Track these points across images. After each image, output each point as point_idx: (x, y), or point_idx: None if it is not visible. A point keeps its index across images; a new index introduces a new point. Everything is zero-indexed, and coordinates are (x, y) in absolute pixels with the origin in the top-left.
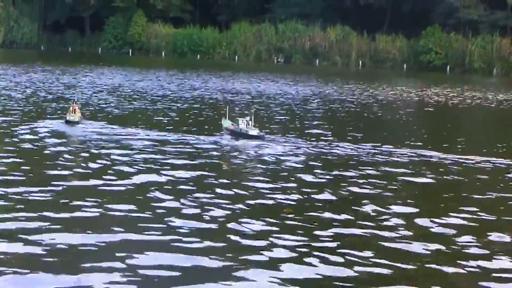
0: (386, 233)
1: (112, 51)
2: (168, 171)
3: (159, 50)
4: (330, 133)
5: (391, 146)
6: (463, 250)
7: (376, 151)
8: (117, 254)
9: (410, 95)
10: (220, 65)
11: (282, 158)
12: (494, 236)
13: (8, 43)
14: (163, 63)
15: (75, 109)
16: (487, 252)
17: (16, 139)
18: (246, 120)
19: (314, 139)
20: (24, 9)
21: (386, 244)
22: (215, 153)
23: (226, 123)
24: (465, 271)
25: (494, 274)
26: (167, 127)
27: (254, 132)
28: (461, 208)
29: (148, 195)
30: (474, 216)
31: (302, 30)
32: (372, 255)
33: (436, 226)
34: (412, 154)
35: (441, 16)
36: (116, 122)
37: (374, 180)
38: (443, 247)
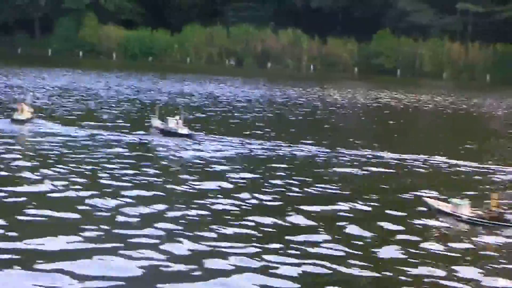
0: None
1: (62, 53)
2: (102, 167)
3: (110, 52)
4: (269, 134)
5: (332, 147)
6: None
7: (315, 152)
8: None
9: (359, 98)
10: (171, 67)
11: (208, 156)
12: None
13: None
14: (114, 65)
15: (23, 108)
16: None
17: None
18: (176, 120)
19: (250, 139)
20: None
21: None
22: (142, 151)
23: (156, 122)
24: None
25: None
26: (107, 127)
27: (183, 131)
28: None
29: (76, 192)
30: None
31: (254, 34)
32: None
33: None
34: (351, 154)
35: (392, 20)
36: (63, 121)
37: (299, 178)
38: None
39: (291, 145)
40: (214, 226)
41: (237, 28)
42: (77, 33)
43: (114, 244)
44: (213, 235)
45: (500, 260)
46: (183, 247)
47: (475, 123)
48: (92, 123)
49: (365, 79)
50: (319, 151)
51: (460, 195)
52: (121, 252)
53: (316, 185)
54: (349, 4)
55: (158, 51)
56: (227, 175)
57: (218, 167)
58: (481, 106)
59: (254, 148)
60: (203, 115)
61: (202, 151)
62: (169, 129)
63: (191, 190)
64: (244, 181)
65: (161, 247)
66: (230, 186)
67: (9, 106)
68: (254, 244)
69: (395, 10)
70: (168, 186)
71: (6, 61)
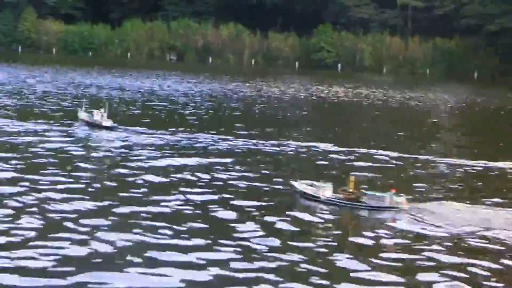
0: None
1: (0, 48)
2: (27, 156)
3: (50, 47)
4: (197, 127)
5: (263, 139)
6: None
7: (242, 143)
8: None
9: (297, 91)
10: (112, 62)
11: (130, 146)
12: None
13: None
14: (53, 60)
15: None
16: None
17: None
18: (101, 112)
19: (176, 130)
20: None
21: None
22: (67, 142)
23: (82, 115)
24: None
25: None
26: (38, 120)
27: (107, 123)
28: None
29: None
30: None
31: (195, 28)
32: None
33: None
34: (279, 145)
35: (332, 15)
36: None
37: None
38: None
39: (215, 136)
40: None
41: (178, 22)
42: (16, 28)
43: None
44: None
45: (345, 237)
46: (104, 237)
47: (391, 114)
48: (26, 116)
49: (305, 74)
50: (243, 141)
51: (326, 178)
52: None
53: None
54: None
55: (99, 46)
56: (138, 164)
57: (135, 157)
58: (412, 99)
59: (176, 140)
60: (135, 109)
61: (123, 142)
62: (94, 121)
63: (105, 178)
64: (167, 167)
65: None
66: (129, 171)
67: None
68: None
69: (335, 4)
70: (84, 174)
71: None
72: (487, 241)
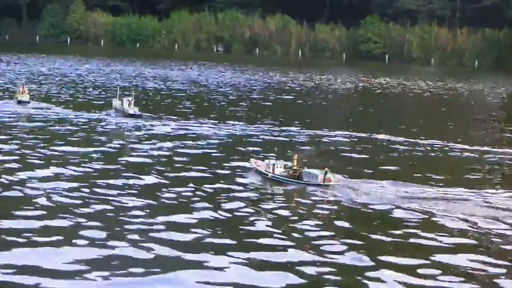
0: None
1: (49, 40)
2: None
3: (98, 39)
4: (237, 116)
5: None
6: None
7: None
8: None
9: (344, 82)
10: (159, 54)
11: (152, 133)
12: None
13: None
14: (101, 52)
15: (24, 90)
16: None
17: None
18: (129, 100)
19: (210, 121)
20: None
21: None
22: (100, 128)
23: (115, 103)
24: None
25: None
26: (79, 107)
27: (131, 110)
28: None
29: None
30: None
31: (242, 19)
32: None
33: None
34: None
35: (380, 6)
36: (56, 103)
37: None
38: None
39: (249, 125)
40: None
41: (225, 14)
42: (65, 20)
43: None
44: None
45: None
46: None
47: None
48: (69, 104)
49: (353, 65)
50: (270, 130)
51: (283, 156)
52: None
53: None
54: None
55: (146, 38)
56: (151, 153)
57: (153, 145)
58: (455, 89)
59: (205, 129)
60: (174, 99)
61: (148, 130)
62: (122, 109)
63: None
64: (159, 158)
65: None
66: (148, 161)
67: (8, 89)
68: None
69: None
70: (92, 161)
71: None
72: (390, 213)
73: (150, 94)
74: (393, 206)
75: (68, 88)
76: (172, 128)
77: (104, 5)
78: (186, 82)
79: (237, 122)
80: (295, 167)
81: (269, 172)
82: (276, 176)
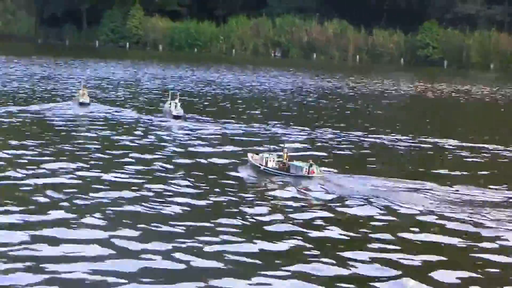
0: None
1: (109, 45)
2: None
3: (157, 44)
4: (291, 119)
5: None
6: None
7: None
8: None
9: (403, 88)
10: (217, 58)
11: (193, 134)
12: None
13: (5, 36)
14: (159, 56)
15: (84, 92)
16: None
17: (48, 117)
18: (175, 103)
19: (254, 124)
20: (22, 3)
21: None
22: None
23: (166, 105)
24: None
25: None
26: (132, 109)
27: (175, 112)
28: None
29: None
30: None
31: (299, 24)
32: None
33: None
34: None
35: (438, 11)
36: (116, 105)
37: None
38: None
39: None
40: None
41: (283, 19)
42: (124, 25)
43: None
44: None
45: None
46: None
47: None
48: (124, 105)
49: (411, 70)
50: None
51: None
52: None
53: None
54: None
55: (204, 43)
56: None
57: (196, 148)
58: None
59: (253, 130)
60: (227, 103)
61: (191, 131)
62: (169, 111)
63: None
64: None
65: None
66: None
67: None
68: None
69: (441, 0)
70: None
71: (54, 52)
72: (358, 206)
73: (203, 97)
74: (365, 201)
75: (126, 91)
76: (214, 130)
77: (163, 10)
78: (241, 86)
79: (288, 126)
80: (284, 160)
81: (262, 165)
82: (268, 168)
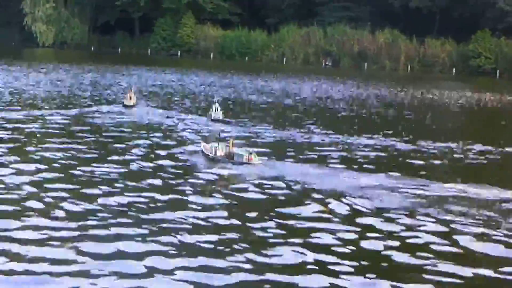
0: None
1: (161, 53)
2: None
3: (208, 52)
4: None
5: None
6: None
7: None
8: None
9: (455, 98)
10: (267, 67)
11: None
12: None
13: (59, 44)
14: (210, 65)
15: (131, 96)
16: None
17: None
18: (216, 107)
19: (290, 129)
20: (75, 11)
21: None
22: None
23: (210, 111)
24: None
25: None
26: (183, 113)
27: (215, 116)
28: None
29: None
30: None
31: (351, 34)
32: None
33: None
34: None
35: (491, 21)
36: (160, 109)
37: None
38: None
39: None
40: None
41: (334, 28)
42: (176, 33)
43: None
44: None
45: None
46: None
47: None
48: (172, 110)
49: (463, 80)
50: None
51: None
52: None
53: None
54: (447, 4)
55: (255, 51)
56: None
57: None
58: None
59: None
60: (269, 110)
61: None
62: (210, 115)
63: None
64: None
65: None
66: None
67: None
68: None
69: (494, 10)
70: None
71: (109, 60)
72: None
73: (249, 104)
74: (291, 182)
75: (172, 97)
76: (248, 133)
77: (214, 19)
78: (290, 95)
79: (331, 134)
80: (230, 149)
81: (211, 153)
82: (215, 156)
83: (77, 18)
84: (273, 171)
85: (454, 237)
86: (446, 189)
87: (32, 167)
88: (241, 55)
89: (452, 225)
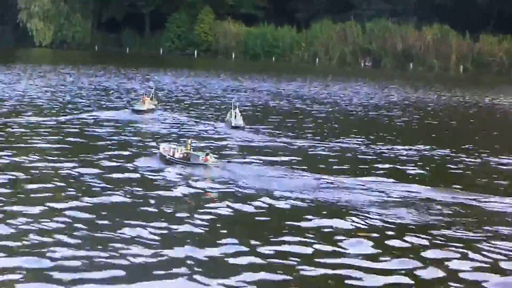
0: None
1: (174, 53)
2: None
3: (229, 51)
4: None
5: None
6: None
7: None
8: None
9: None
10: (297, 68)
11: (249, 146)
12: None
13: (58, 43)
14: (231, 66)
15: (145, 100)
16: None
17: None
18: (235, 112)
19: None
20: (76, 5)
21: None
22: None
23: (228, 115)
24: None
25: None
26: (200, 119)
27: (234, 122)
28: None
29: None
30: None
31: (393, 30)
32: None
33: None
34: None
35: None
36: (177, 113)
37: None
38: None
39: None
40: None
41: (374, 23)
42: (192, 30)
43: None
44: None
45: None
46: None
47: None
48: (201, 115)
49: None
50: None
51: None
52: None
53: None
54: None
55: (283, 50)
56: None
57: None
58: None
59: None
60: (294, 117)
61: (245, 140)
62: (229, 121)
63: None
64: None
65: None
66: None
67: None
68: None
69: None
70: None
71: (116, 61)
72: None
73: (274, 110)
74: (241, 183)
75: (189, 101)
76: (271, 143)
77: (236, 13)
78: (319, 101)
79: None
80: (187, 150)
81: (169, 155)
82: (173, 158)
83: (79, 14)
84: (229, 173)
85: None
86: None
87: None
88: (266, 55)
89: None
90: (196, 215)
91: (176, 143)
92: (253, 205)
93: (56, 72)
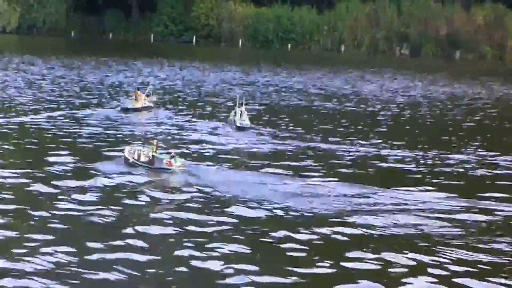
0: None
1: (169, 39)
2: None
3: (234, 38)
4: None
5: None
6: None
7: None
8: None
9: None
10: (319, 58)
11: (255, 145)
12: None
13: (26, 28)
14: (237, 55)
15: (137, 97)
16: None
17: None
18: (240, 110)
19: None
20: None
21: None
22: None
23: (232, 113)
24: None
25: None
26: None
27: (238, 122)
28: None
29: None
30: None
31: (436, 11)
32: None
33: None
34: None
35: None
36: (179, 111)
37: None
38: None
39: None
40: None
41: (412, 3)
42: (189, 13)
43: None
44: None
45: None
46: None
47: None
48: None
49: None
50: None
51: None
52: None
53: None
54: None
55: (300, 36)
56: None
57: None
58: None
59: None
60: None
61: (250, 140)
62: (234, 121)
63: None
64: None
65: None
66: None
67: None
68: None
69: None
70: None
71: (97, 51)
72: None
73: (289, 109)
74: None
75: (187, 98)
76: (283, 147)
77: None
78: (351, 97)
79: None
80: (153, 153)
81: (133, 158)
82: (137, 162)
83: None
84: (195, 179)
85: None
86: None
87: None
88: (281, 42)
89: None
90: (147, 225)
91: (142, 145)
92: (215, 214)
93: (22, 63)
